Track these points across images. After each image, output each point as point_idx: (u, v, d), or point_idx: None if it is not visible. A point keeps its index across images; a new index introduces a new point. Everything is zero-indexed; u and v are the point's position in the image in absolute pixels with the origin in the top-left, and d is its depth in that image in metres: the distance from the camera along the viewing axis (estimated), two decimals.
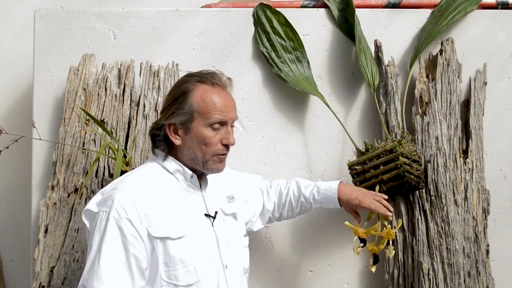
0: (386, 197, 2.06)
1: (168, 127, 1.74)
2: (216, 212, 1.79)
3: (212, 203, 1.81)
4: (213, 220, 1.77)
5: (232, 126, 1.79)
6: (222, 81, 1.79)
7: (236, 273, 1.78)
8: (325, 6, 2.39)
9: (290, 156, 2.35)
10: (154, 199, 1.69)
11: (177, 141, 1.74)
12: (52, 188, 2.22)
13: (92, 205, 1.69)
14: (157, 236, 1.64)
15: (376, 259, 2.03)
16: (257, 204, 2.06)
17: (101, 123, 2.17)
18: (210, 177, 1.85)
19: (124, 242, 1.61)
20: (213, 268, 1.71)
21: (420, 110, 2.28)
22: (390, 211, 2.01)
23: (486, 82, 2.34)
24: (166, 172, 1.77)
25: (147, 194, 1.69)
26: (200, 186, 1.81)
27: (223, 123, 1.75)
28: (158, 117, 1.85)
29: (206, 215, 1.76)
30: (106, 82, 2.27)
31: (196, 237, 1.70)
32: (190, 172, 1.76)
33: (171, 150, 1.78)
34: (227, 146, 1.77)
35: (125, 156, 2.17)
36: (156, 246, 1.64)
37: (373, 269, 2.03)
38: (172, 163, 1.77)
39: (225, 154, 1.78)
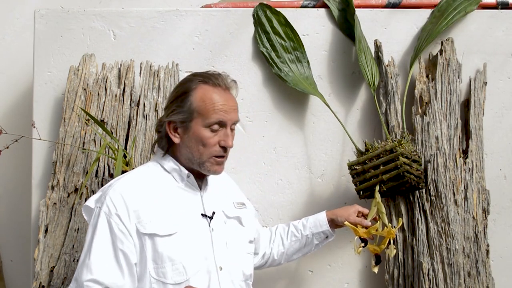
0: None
1: (168, 124, 1.75)
2: (213, 213, 1.77)
3: (210, 204, 1.79)
4: (210, 220, 1.76)
5: (232, 129, 1.78)
6: (226, 83, 1.78)
7: (232, 276, 1.76)
8: (325, 6, 2.39)
9: (290, 156, 2.35)
10: (145, 196, 1.70)
11: (176, 139, 1.75)
12: (52, 188, 2.22)
13: (91, 201, 1.73)
14: (145, 232, 1.65)
15: (378, 259, 2.02)
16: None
17: (101, 123, 2.17)
18: (214, 179, 1.85)
19: (113, 237, 1.64)
20: (204, 268, 1.69)
21: (420, 110, 2.28)
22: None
23: (486, 82, 2.34)
24: (163, 171, 1.78)
25: (139, 191, 1.70)
26: (200, 187, 1.80)
27: (222, 125, 1.74)
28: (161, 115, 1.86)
29: (202, 215, 1.75)
30: (106, 82, 2.27)
31: (187, 236, 1.69)
32: (186, 172, 1.76)
33: (170, 148, 1.79)
34: (224, 149, 1.75)
35: (125, 156, 2.17)
36: (145, 242, 1.65)
37: (376, 269, 2.02)
38: (170, 163, 1.78)
39: (222, 157, 1.76)
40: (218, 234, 1.76)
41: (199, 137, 1.72)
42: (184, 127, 1.73)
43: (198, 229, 1.73)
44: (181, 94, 1.75)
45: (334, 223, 2.05)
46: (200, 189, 1.80)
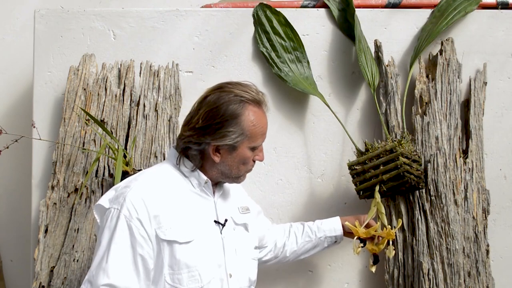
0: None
1: (212, 145, 1.72)
2: (226, 220, 1.78)
3: (223, 211, 1.80)
4: (222, 227, 1.76)
5: None
6: (263, 99, 1.78)
7: (240, 283, 1.77)
8: (325, 6, 2.39)
9: (290, 156, 2.35)
10: (165, 201, 1.68)
11: (216, 158, 1.73)
12: (52, 188, 2.22)
13: (104, 200, 1.69)
14: (165, 239, 1.64)
15: (376, 259, 2.03)
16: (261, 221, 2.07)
17: (101, 123, 2.17)
18: (225, 185, 1.86)
19: (133, 241, 1.62)
20: (217, 276, 1.71)
21: (420, 110, 2.28)
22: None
23: (486, 82, 2.34)
24: (180, 175, 1.76)
25: (159, 195, 1.68)
26: (214, 192, 1.80)
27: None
28: (191, 130, 1.73)
29: (215, 222, 1.75)
30: (106, 82, 2.27)
31: (203, 243, 1.70)
32: (205, 178, 1.75)
33: (203, 164, 1.76)
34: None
35: (125, 156, 2.17)
36: (163, 248, 1.64)
37: (373, 269, 2.03)
38: (187, 168, 1.76)
39: None
40: (229, 241, 1.76)
41: (243, 158, 1.75)
42: (230, 149, 1.73)
43: (211, 236, 1.73)
44: (230, 118, 1.70)
45: (344, 229, 2.10)
46: (214, 195, 1.80)
